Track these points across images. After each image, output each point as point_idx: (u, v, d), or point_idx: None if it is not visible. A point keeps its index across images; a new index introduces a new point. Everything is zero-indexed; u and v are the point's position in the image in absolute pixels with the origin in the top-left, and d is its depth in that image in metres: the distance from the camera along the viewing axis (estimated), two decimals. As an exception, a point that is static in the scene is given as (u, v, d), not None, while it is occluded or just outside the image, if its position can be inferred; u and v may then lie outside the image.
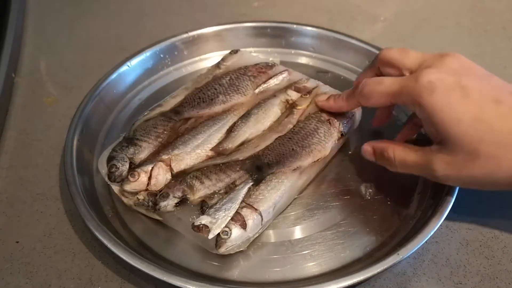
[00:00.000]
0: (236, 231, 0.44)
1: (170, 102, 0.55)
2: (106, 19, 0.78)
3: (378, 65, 0.50)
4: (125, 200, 0.48)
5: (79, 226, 0.49)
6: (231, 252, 0.45)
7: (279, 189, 0.47)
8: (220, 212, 0.44)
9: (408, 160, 0.45)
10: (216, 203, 0.45)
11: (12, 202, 0.52)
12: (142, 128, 0.52)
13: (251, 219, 0.45)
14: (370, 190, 0.52)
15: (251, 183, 0.47)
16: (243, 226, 0.44)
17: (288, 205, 0.50)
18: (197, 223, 0.44)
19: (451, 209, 0.47)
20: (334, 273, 0.45)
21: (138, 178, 0.47)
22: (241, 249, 0.45)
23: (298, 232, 0.48)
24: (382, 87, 0.45)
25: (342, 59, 0.66)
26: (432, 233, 0.45)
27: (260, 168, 0.48)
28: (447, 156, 0.41)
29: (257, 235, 0.46)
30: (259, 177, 0.47)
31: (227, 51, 0.63)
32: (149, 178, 0.47)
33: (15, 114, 0.61)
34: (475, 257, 0.47)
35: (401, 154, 0.45)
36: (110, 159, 0.49)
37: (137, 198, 0.47)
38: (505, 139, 0.39)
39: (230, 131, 0.52)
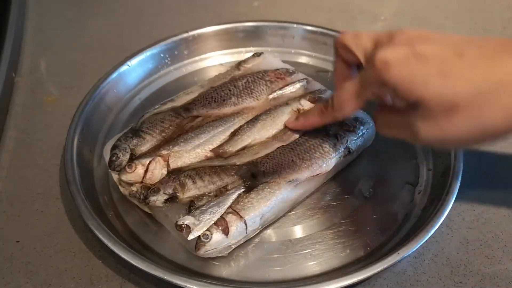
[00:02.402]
0: (217, 236, 0.44)
1: (183, 98, 0.55)
2: (106, 19, 0.77)
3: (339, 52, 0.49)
4: (121, 189, 0.49)
5: (79, 225, 0.49)
6: (211, 256, 0.45)
7: (269, 199, 0.46)
8: (205, 215, 0.44)
9: (390, 123, 0.44)
10: (203, 205, 0.45)
11: (12, 202, 0.52)
12: (149, 120, 0.52)
13: (235, 226, 0.44)
14: (370, 190, 0.52)
15: (243, 190, 0.47)
16: (225, 232, 0.44)
17: (280, 217, 0.49)
18: (180, 222, 0.44)
19: (451, 208, 0.47)
20: (334, 272, 0.45)
21: (134, 170, 0.48)
22: (221, 255, 0.45)
23: (298, 232, 0.48)
24: (347, 93, 0.44)
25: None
26: (432, 233, 0.45)
27: (254, 176, 0.48)
28: (427, 119, 0.40)
29: (241, 242, 0.46)
30: (251, 185, 0.47)
31: (227, 51, 0.63)
32: (146, 171, 0.48)
33: (15, 114, 0.61)
34: (476, 256, 0.47)
35: (383, 119, 0.45)
36: (113, 147, 0.50)
37: (132, 189, 0.48)
38: (480, 86, 0.37)
39: (234, 134, 0.52)
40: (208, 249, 0.44)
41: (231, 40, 0.68)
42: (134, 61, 0.63)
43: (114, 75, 0.60)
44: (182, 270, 0.44)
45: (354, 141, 0.52)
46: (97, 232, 0.44)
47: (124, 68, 0.62)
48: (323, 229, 0.48)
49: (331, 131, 0.51)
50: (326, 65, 0.66)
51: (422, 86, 0.38)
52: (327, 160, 0.50)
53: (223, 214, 0.45)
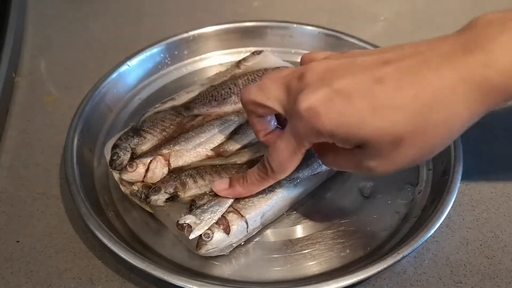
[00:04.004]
0: (218, 235, 0.44)
1: (184, 97, 0.55)
2: (106, 19, 0.78)
3: None
4: (122, 188, 0.49)
5: (79, 225, 0.49)
6: (212, 255, 0.45)
7: (270, 198, 0.46)
8: (206, 214, 0.44)
9: (339, 161, 0.42)
10: (204, 204, 0.45)
11: (12, 202, 0.52)
12: (150, 119, 0.52)
13: (236, 225, 0.44)
14: (370, 190, 0.52)
15: None
16: (227, 231, 0.44)
17: (280, 216, 0.49)
18: (181, 221, 0.44)
19: (451, 208, 0.47)
20: (334, 272, 0.45)
21: (135, 169, 0.48)
22: (223, 254, 0.45)
23: (298, 231, 0.48)
24: (285, 153, 0.41)
25: (343, 58, 0.66)
26: (432, 233, 0.45)
27: None
28: (377, 157, 0.38)
29: (243, 240, 0.46)
30: None
31: (228, 51, 0.63)
32: (147, 170, 0.48)
33: (15, 114, 0.61)
34: (476, 256, 0.47)
35: (329, 159, 0.43)
36: (114, 146, 0.50)
37: (133, 188, 0.48)
38: (415, 111, 0.35)
39: (234, 133, 0.52)
40: (209, 248, 0.44)
41: (231, 40, 0.68)
42: (134, 61, 0.63)
43: (114, 75, 0.60)
44: (182, 270, 0.44)
45: None
46: (97, 232, 0.44)
47: (124, 68, 0.62)
48: (323, 229, 0.48)
49: None
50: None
51: (358, 126, 0.36)
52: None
53: (224, 213, 0.45)
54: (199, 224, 0.44)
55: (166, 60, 0.66)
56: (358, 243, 0.47)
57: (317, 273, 0.45)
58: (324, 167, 0.49)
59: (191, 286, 0.41)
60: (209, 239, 0.43)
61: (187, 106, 0.54)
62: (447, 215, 0.46)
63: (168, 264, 0.45)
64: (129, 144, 0.50)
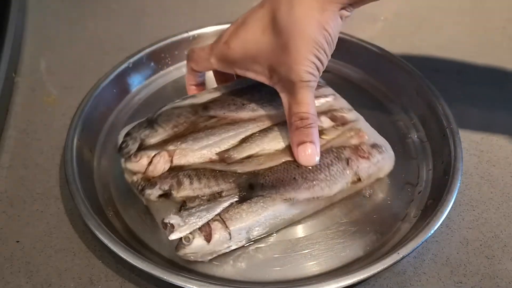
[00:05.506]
0: (197, 241, 0.43)
1: (205, 97, 0.55)
2: (107, 19, 0.78)
3: None
4: (126, 175, 0.50)
5: (79, 225, 0.49)
6: (190, 259, 0.44)
7: (259, 214, 0.45)
8: (192, 218, 0.44)
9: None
10: (193, 207, 0.45)
11: (12, 202, 0.52)
12: (166, 114, 0.53)
13: (218, 234, 0.44)
14: (370, 190, 0.51)
15: (236, 199, 0.45)
16: (207, 238, 0.43)
17: (272, 233, 0.48)
18: (166, 220, 0.44)
19: (451, 208, 0.47)
20: (334, 272, 0.45)
21: (139, 160, 0.48)
22: (201, 260, 0.45)
23: (298, 231, 0.48)
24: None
25: (343, 58, 0.66)
26: (432, 232, 0.45)
27: (252, 187, 0.46)
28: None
29: (224, 251, 0.45)
30: (246, 196, 0.46)
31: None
32: (150, 163, 0.48)
33: (15, 114, 0.61)
34: (475, 256, 0.47)
35: None
36: (127, 134, 0.51)
37: (133, 178, 0.48)
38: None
39: (243, 141, 0.50)
40: (187, 252, 0.43)
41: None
42: (134, 61, 0.62)
43: (114, 74, 0.60)
44: (182, 270, 0.44)
45: (365, 169, 0.49)
46: (97, 232, 0.44)
47: (124, 67, 0.62)
48: (323, 229, 0.48)
49: (343, 154, 0.49)
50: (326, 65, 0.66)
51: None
52: (331, 184, 0.47)
53: (209, 220, 0.44)
54: (182, 227, 0.43)
55: (167, 60, 0.66)
56: (358, 243, 0.47)
57: (317, 273, 0.45)
58: (326, 192, 0.47)
59: (191, 286, 0.41)
60: (188, 243, 0.43)
61: (205, 105, 0.54)
62: (447, 215, 0.46)
63: (168, 264, 0.45)
64: (139, 135, 0.51)
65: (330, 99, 0.55)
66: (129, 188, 0.50)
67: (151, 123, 0.52)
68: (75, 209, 0.48)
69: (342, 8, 0.45)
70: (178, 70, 0.66)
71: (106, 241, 0.44)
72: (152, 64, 0.65)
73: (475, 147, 0.57)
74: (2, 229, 0.49)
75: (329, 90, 0.57)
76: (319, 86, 0.56)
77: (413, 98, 0.60)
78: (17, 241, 0.48)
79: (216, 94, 0.55)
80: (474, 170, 0.55)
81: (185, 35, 0.66)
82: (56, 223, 0.50)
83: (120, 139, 0.51)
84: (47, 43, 0.73)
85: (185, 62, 0.67)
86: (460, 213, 0.51)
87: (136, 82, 0.63)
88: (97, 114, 0.58)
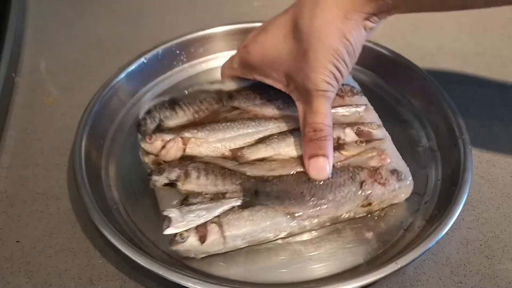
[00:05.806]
0: (191, 241, 0.43)
1: (232, 84, 0.55)
2: (107, 19, 0.78)
3: None
4: (140, 153, 0.50)
5: (79, 225, 0.49)
6: (183, 255, 0.44)
7: (258, 224, 0.44)
8: (191, 215, 0.44)
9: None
10: (195, 204, 0.45)
11: (12, 202, 0.52)
12: (191, 96, 0.53)
13: (213, 237, 0.43)
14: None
15: (238, 204, 0.45)
16: (202, 240, 0.43)
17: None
18: (165, 213, 0.44)
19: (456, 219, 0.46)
20: (335, 277, 0.44)
21: (153, 142, 0.49)
22: (193, 257, 0.45)
23: (303, 234, 0.48)
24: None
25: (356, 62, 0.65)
26: (431, 246, 0.44)
27: (257, 193, 0.46)
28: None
29: (217, 252, 0.45)
30: (249, 202, 0.45)
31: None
32: (163, 147, 0.48)
33: (15, 114, 0.61)
34: (476, 256, 0.47)
35: None
36: (147, 111, 0.52)
37: (145, 159, 0.49)
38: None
39: (260, 141, 0.49)
40: (180, 249, 0.44)
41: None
42: (149, 56, 0.62)
43: (129, 69, 0.60)
44: (185, 269, 0.44)
45: (379, 195, 0.47)
46: (102, 229, 0.44)
47: (139, 62, 0.61)
48: (328, 233, 0.48)
49: (359, 175, 0.46)
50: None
51: None
52: (339, 206, 0.46)
53: (208, 221, 0.44)
54: (180, 222, 0.43)
55: (182, 57, 0.65)
56: (360, 250, 0.47)
57: (318, 277, 0.45)
58: (332, 213, 0.46)
59: (193, 285, 0.41)
60: (183, 241, 0.43)
61: (231, 94, 0.53)
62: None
63: (170, 263, 0.45)
64: (159, 114, 0.51)
65: (361, 109, 0.53)
66: (135, 189, 0.51)
67: (173, 104, 0.52)
68: (75, 209, 0.48)
69: (366, 19, 0.44)
70: (193, 67, 0.65)
71: (109, 237, 0.43)
72: (167, 60, 0.64)
73: (475, 147, 0.57)
74: (2, 229, 0.49)
75: (363, 99, 0.54)
76: (352, 94, 0.54)
77: (426, 105, 0.59)
78: (17, 241, 0.48)
79: (244, 84, 0.55)
80: (474, 170, 0.54)
81: (201, 33, 0.65)
82: (56, 223, 0.50)
83: (141, 114, 0.51)
84: (47, 43, 0.73)
85: (199, 59, 0.67)
86: (460, 213, 0.51)
87: (150, 77, 0.63)
88: (110, 107, 0.57)
